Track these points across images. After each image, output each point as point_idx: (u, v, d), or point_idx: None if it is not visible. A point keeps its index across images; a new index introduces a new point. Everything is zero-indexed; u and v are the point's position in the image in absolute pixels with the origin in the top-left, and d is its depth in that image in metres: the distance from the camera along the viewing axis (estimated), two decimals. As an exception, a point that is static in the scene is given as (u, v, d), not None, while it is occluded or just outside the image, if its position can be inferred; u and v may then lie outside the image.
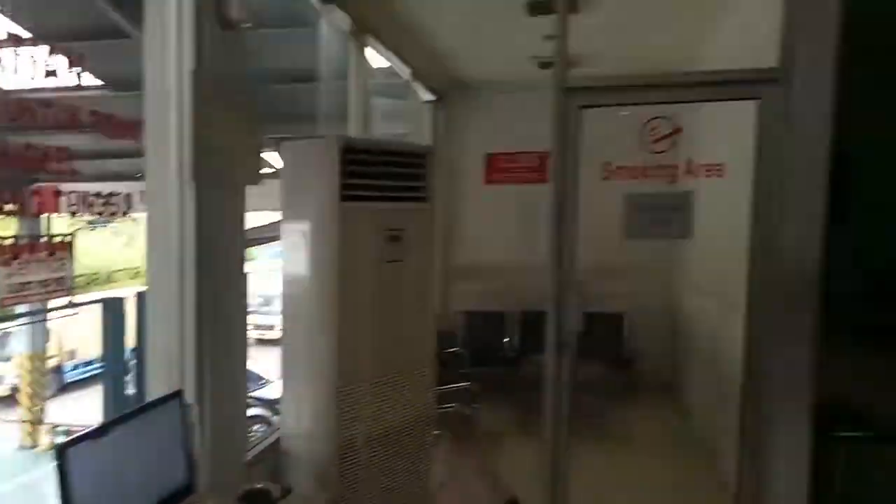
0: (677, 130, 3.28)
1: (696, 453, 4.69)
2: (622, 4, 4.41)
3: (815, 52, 2.97)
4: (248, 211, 2.70)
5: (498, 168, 5.29)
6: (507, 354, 6.16)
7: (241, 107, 2.53)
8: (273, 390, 6.57)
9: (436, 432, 3.60)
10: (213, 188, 2.41)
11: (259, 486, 2.31)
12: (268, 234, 3.39)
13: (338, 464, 2.84)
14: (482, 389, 5.39)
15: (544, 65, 5.29)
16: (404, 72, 5.38)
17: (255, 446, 3.08)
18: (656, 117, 3.28)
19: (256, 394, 6.75)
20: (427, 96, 6.20)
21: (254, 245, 3.31)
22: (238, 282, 2.67)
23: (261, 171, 2.71)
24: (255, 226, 3.28)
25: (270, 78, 5.06)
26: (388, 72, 5.16)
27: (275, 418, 6.63)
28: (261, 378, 7.27)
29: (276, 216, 3.05)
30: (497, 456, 4.75)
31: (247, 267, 2.78)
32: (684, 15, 4.58)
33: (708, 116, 4.09)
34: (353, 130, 4.14)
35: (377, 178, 2.96)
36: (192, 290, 2.38)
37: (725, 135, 3.62)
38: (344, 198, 2.81)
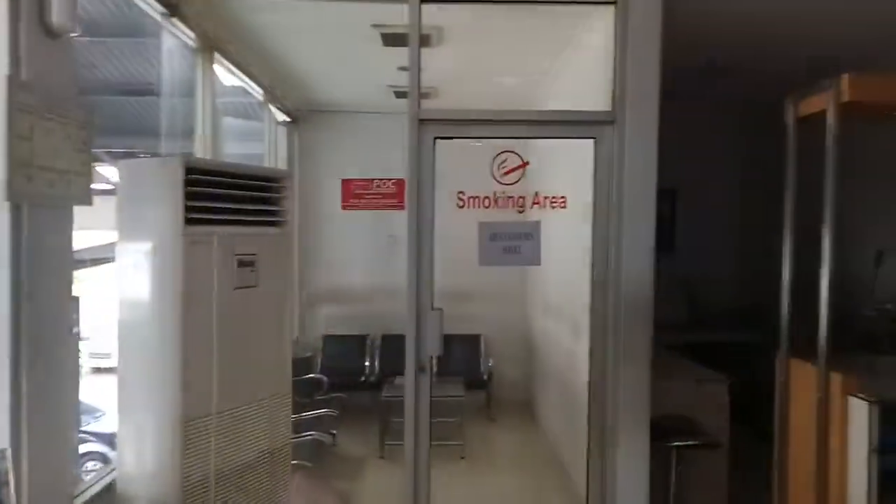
0: (525, 164, 3.47)
1: (549, 466, 4.91)
2: (472, 44, 4.63)
3: (641, 98, 3.29)
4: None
5: (354, 193, 5.28)
6: (368, 378, 6.10)
7: (69, 119, 2.31)
8: (110, 423, 6.02)
9: (293, 463, 3.48)
10: (33, 208, 2.17)
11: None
12: (100, 256, 3.12)
13: (184, 504, 2.65)
14: (343, 414, 5.29)
15: (400, 94, 5.41)
16: (257, 92, 5.23)
17: (86, 490, 2.79)
18: (506, 151, 3.45)
19: (91, 428, 6.14)
20: (282, 117, 6.07)
21: (83, 267, 3.02)
22: (64, 310, 2.42)
23: (91, 190, 2.49)
24: (86, 246, 3.01)
25: (111, 90, 4.71)
26: (239, 91, 4.99)
27: (113, 454, 6.05)
28: (96, 410, 6.62)
29: (107, 235, 2.82)
30: (358, 482, 4.67)
31: (79, 290, 2.53)
32: (528, 58, 4.90)
33: (554, 152, 4.36)
34: (201, 149, 3.95)
35: (226, 202, 2.84)
36: (7, 321, 2.12)
37: (569, 170, 3.88)
38: (189, 221, 2.67)
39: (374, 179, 4.93)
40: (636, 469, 3.43)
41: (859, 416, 2.48)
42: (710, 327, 5.54)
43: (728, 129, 5.86)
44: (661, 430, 3.53)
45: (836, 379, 2.59)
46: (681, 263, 5.07)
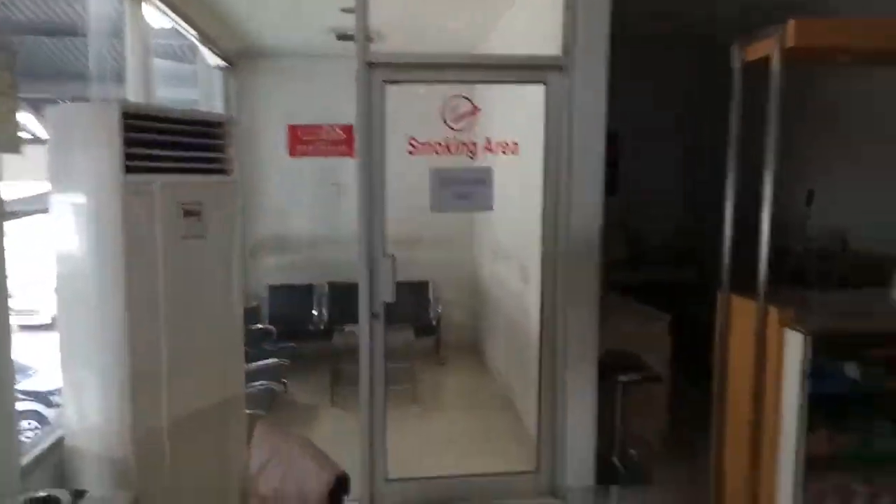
0: (476, 109, 3.45)
1: (499, 406, 5.09)
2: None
3: (591, 43, 3.29)
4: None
5: (302, 140, 5.13)
6: (318, 327, 6.09)
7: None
8: (42, 381, 5.82)
9: (249, 412, 3.48)
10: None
11: (42, 493, 2.06)
12: (31, 208, 2.96)
13: (137, 457, 2.61)
14: (293, 364, 5.29)
15: (342, 37, 5.21)
16: (191, 34, 4.94)
17: (32, 448, 2.71)
18: (457, 96, 3.41)
19: (23, 386, 5.92)
20: (218, 62, 5.76)
21: (11, 219, 2.85)
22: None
23: (19, 136, 2.33)
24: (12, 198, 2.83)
25: (26, 29, 4.34)
26: (171, 33, 4.68)
27: (49, 412, 5.87)
28: (28, 368, 6.37)
29: (37, 186, 2.66)
30: (313, 429, 4.72)
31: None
32: (478, 2, 4.78)
33: (505, 97, 4.34)
34: (133, 94, 3.72)
35: (168, 149, 2.72)
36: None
37: (521, 115, 3.88)
38: (128, 169, 2.54)
39: (322, 125, 4.80)
40: (584, 404, 3.60)
41: (794, 345, 2.67)
42: (652, 267, 5.78)
43: (676, 71, 5.93)
44: (607, 366, 3.70)
45: (773, 312, 2.76)
46: (624, 205, 5.20)
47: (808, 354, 2.63)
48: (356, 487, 3.48)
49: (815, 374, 2.66)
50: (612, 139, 3.46)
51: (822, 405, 2.71)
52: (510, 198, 3.97)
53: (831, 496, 2.88)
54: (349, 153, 3.35)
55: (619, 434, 3.86)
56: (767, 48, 2.65)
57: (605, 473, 3.76)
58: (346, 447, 3.51)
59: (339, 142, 4.64)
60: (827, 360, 2.71)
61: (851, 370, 2.78)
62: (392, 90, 3.32)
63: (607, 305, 3.62)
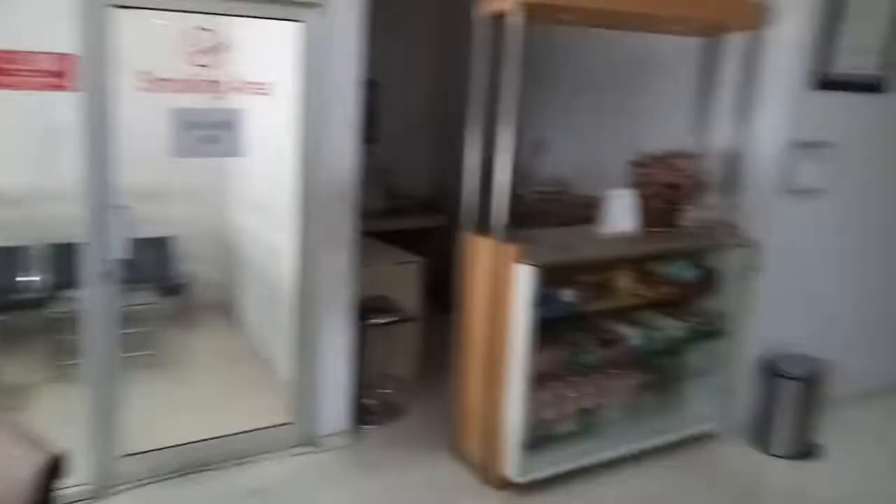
0: (222, 45, 3.20)
1: (253, 362, 4.95)
2: None
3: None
4: None
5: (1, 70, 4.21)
6: (30, 295, 5.24)
7: None
8: None
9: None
10: None
11: None
12: None
13: None
14: (3, 340, 4.52)
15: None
16: None
17: None
18: (200, 28, 3.13)
19: None
20: None
21: None
22: None
23: None
24: None
25: None
26: None
27: None
28: None
29: None
30: (30, 411, 4.10)
31: None
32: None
33: (263, 33, 4.10)
34: None
35: None
36: None
37: (275, 54, 3.70)
38: None
39: (26, 52, 3.96)
40: (338, 349, 3.70)
41: (523, 277, 3.05)
42: (406, 214, 6.03)
43: (430, 19, 6.08)
44: (363, 310, 3.84)
45: (506, 249, 3.11)
46: (381, 155, 5.32)
47: (535, 284, 3.04)
48: (85, 469, 3.15)
49: (541, 301, 3.09)
50: (373, 88, 3.50)
51: (546, 327, 3.17)
52: (264, 145, 3.82)
53: (550, 403, 3.42)
54: (66, 87, 2.87)
55: (374, 375, 4.06)
56: (503, 2, 2.85)
57: (360, 415, 3.93)
58: (75, 427, 3.14)
59: (53, 73, 3.89)
60: (550, 288, 3.17)
61: (568, 295, 3.29)
62: (125, 17, 2.93)
63: (363, 251, 3.72)
